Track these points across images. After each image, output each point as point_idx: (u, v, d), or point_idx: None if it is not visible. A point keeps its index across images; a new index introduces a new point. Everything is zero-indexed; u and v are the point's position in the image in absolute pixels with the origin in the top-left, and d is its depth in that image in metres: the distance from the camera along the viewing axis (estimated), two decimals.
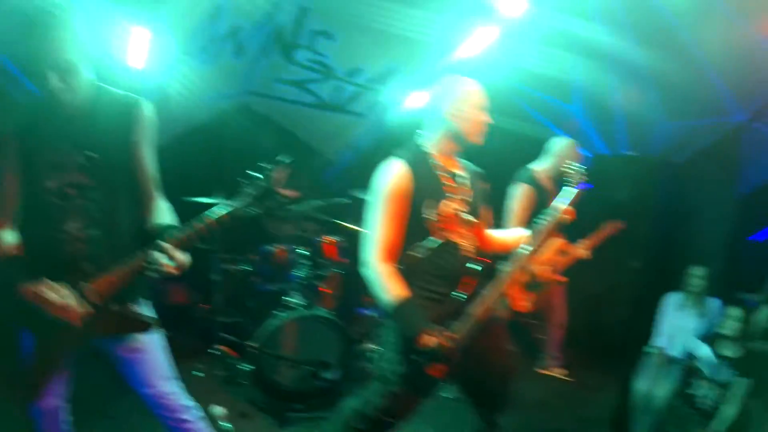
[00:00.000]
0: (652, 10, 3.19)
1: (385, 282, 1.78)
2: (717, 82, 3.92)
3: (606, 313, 4.06)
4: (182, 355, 1.99)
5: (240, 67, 3.61)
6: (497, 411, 2.52)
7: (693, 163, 4.18)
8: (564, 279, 3.24)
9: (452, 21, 3.21)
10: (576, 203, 1.99)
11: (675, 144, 4.05)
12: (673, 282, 3.49)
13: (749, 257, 4.63)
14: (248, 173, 1.59)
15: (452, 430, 2.80)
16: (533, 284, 2.93)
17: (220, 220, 1.53)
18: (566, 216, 1.97)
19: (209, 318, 3.41)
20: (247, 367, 2.91)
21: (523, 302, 3.01)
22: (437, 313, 1.83)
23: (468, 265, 1.91)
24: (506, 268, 1.94)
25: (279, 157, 1.62)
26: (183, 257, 1.51)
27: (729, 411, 2.96)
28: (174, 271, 1.50)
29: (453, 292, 1.89)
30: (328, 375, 2.89)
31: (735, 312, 3.10)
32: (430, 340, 1.73)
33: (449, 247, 1.88)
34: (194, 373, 3.05)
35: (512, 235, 2.15)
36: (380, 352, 2.03)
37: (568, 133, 3.98)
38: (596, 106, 3.69)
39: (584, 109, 3.77)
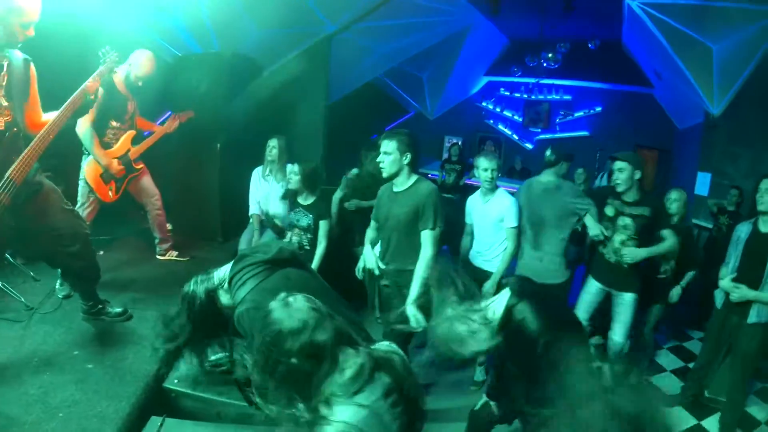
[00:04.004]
0: None
1: None
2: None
3: (202, 191, 4.63)
4: None
5: None
6: (80, 278, 2.76)
7: (287, 65, 5.22)
8: (140, 164, 3.72)
9: None
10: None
11: (267, 47, 4.93)
12: (259, 157, 4.18)
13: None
14: None
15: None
16: (108, 175, 3.47)
17: None
18: (88, 89, 2.50)
19: None
20: None
21: (106, 192, 3.51)
22: None
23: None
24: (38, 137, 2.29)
25: None
26: None
27: (320, 248, 3.58)
28: None
29: None
30: None
31: (295, 169, 3.61)
32: None
33: None
34: None
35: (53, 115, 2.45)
36: None
37: (165, 37, 4.40)
38: (189, 14, 4.15)
39: (179, 16, 4.20)
